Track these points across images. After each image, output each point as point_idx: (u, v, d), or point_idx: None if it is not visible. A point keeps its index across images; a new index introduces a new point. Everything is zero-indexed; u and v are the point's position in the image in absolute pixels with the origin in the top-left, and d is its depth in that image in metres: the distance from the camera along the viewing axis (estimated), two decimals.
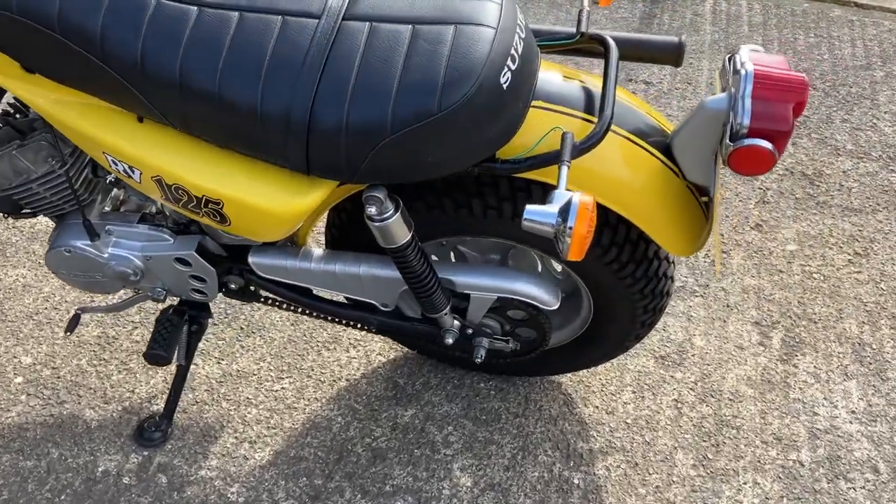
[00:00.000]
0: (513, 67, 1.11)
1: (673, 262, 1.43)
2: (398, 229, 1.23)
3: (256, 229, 1.24)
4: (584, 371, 1.77)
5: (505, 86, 1.09)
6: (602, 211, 1.26)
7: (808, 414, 1.71)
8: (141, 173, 1.24)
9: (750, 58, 1.14)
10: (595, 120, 1.19)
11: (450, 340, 1.45)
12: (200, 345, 1.78)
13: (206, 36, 1.12)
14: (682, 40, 1.30)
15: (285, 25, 1.13)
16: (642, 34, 1.36)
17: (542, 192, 1.25)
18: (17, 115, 1.39)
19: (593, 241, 1.29)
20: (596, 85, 1.26)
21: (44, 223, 2.03)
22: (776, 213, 2.21)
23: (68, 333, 1.58)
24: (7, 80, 1.25)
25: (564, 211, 1.02)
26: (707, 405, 1.73)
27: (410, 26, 1.11)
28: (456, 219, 1.31)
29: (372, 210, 1.18)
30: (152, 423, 1.61)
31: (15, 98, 1.35)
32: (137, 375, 1.71)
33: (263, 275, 1.43)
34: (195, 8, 1.14)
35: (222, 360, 1.76)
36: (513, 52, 1.11)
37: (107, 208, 1.47)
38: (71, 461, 1.56)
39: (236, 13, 1.14)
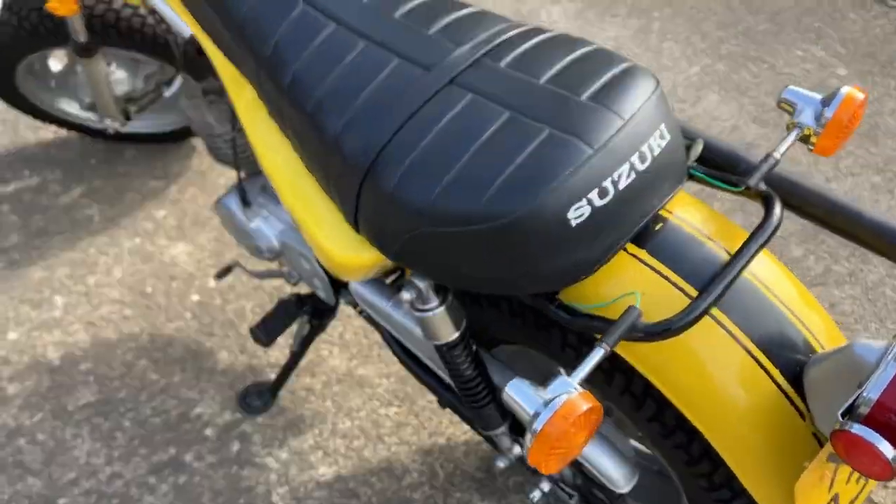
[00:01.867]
0: (596, 203, 0.85)
1: None
2: (441, 325, 1.05)
3: (324, 261, 1.15)
4: None
5: (574, 222, 0.84)
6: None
7: None
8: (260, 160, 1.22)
9: None
10: (690, 302, 0.87)
11: (501, 465, 1.23)
12: (347, 336, 1.76)
13: (329, 50, 1.04)
14: None
15: (397, 67, 1.00)
16: (865, 207, 0.95)
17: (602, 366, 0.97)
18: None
19: (681, 438, 0.98)
20: (731, 247, 0.93)
21: None
22: None
23: (217, 279, 1.66)
24: (205, 42, 1.29)
25: (548, 405, 0.77)
26: None
27: (509, 113, 0.91)
28: (519, 328, 1.08)
29: (407, 296, 1.02)
30: (257, 391, 1.64)
31: None
32: (280, 339, 1.75)
33: (360, 304, 1.34)
34: (333, 24, 1.07)
35: (353, 359, 1.72)
36: (606, 184, 0.85)
37: (266, 183, 1.49)
38: (183, 391, 1.66)
39: (364, 42, 1.04)
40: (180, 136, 2.13)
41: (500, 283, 0.91)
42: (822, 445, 0.90)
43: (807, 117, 0.98)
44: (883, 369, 0.72)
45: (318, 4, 1.08)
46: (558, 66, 0.95)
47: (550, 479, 1.24)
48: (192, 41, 1.34)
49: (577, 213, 0.84)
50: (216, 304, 1.83)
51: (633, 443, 1.30)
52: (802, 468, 0.89)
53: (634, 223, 0.90)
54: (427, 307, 1.03)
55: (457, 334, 1.07)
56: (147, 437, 1.59)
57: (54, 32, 1.68)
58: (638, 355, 0.93)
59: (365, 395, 1.66)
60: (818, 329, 0.93)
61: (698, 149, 1.03)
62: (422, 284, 1.01)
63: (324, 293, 1.45)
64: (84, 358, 1.71)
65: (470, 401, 1.15)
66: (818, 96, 0.99)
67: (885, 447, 0.70)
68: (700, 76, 2.54)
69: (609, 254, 0.89)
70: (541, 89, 0.92)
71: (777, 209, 0.92)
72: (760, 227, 0.90)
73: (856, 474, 0.91)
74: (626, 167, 0.86)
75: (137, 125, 2.08)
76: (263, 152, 1.18)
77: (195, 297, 1.84)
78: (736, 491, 0.99)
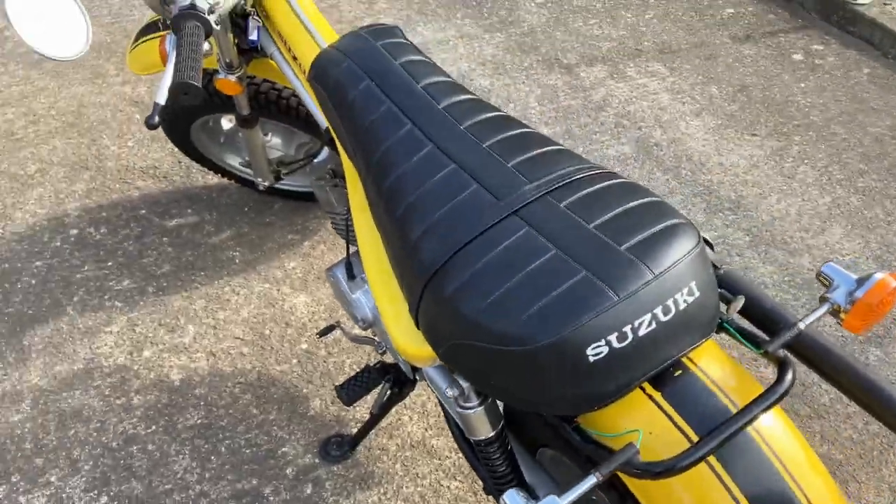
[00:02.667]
0: (615, 345, 0.95)
1: None
2: (479, 423, 1.17)
3: (395, 346, 1.31)
4: None
5: (592, 359, 0.95)
6: None
7: None
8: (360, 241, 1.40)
9: None
10: (689, 448, 0.95)
11: None
12: (429, 407, 1.90)
13: (423, 167, 1.21)
14: None
15: (474, 192, 1.15)
16: (885, 383, 0.98)
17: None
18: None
19: None
20: (742, 403, 1.00)
21: None
22: None
23: (319, 337, 1.85)
24: (333, 131, 1.50)
25: None
26: None
27: (555, 251, 1.03)
28: (552, 436, 1.18)
29: (451, 392, 1.15)
30: (338, 442, 1.81)
31: None
32: (368, 399, 1.92)
33: (429, 384, 1.48)
34: (431, 145, 1.23)
35: (429, 430, 1.86)
36: (626, 330, 0.95)
37: None
38: (275, 430, 1.86)
39: (453, 165, 1.20)
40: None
41: (521, 400, 1.03)
42: None
43: (839, 295, 1.04)
44: None
45: (422, 126, 1.26)
46: (611, 214, 1.06)
47: None
48: (328, 132, 1.56)
49: (596, 352, 0.95)
50: (321, 354, 2.03)
51: None
52: None
53: (652, 367, 0.99)
54: (468, 405, 1.16)
55: (493, 433, 1.18)
56: (236, 465, 1.78)
57: (226, 102, 1.96)
58: (639, 485, 1.01)
59: (433, 465, 1.79)
60: (816, 493, 0.98)
61: (738, 304, 1.10)
62: (464, 384, 1.14)
63: (404, 367, 1.60)
64: (200, 384, 1.95)
65: (497, 486, 1.25)
66: (854, 276, 1.04)
67: None
68: (830, 207, 2.53)
69: (623, 391, 0.99)
70: (588, 233, 1.04)
71: (789, 376, 0.98)
72: (769, 389, 0.97)
73: None
74: (647, 317, 0.96)
75: (287, 182, 2.34)
76: (362, 244, 1.36)
77: (304, 346, 2.05)
78: None
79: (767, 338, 1.04)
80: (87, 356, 2.00)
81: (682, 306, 0.99)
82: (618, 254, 1.00)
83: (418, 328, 1.16)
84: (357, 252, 1.66)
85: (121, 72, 3.04)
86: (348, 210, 1.58)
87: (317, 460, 1.80)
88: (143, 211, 2.43)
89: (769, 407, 0.96)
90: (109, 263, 2.25)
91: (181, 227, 2.38)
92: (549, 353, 0.95)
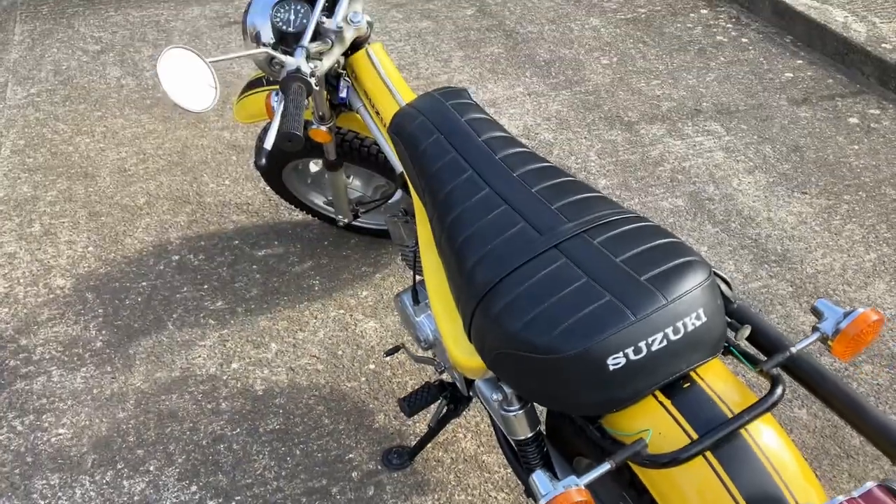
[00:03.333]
0: (632, 358, 1.15)
1: None
2: (518, 425, 1.37)
3: (450, 359, 1.52)
4: None
5: (612, 368, 1.15)
6: None
7: None
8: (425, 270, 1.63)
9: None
10: (690, 444, 1.13)
11: None
12: (482, 426, 2.10)
13: (480, 206, 1.44)
14: None
15: (522, 228, 1.37)
16: (870, 404, 1.14)
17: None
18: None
19: None
20: (736, 411, 1.18)
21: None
22: None
23: (386, 356, 2.08)
24: (407, 175, 1.75)
25: (546, 496, 1.08)
26: None
27: (586, 279, 1.24)
28: (583, 443, 1.37)
29: (496, 396, 1.36)
30: (398, 452, 2.02)
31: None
32: (427, 417, 2.13)
33: (482, 401, 1.68)
34: (487, 188, 1.46)
35: (482, 447, 2.06)
36: (641, 345, 1.15)
37: None
38: (343, 438, 2.08)
39: (505, 205, 1.42)
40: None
41: (553, 402, 1.23)
42: None
43: (827, 325, 1.22)
44: None
45: (481, 172, 1.49)
46: (636, 250, 1.27)
47: None
48: (402, 176, 1.81)
49: (615, 362, 1.15)
50: (386, 375, 2.25)
51: None
52: None
53: (663, 377, 1.18)
54: (510, 409, 1.36)
55: (530, 434, 1.38)
56: (308, 467, 2.01)
57: (316, 148, 2.24)
58: (652, 482, 1.20)
59: (483, 478, 1.99)
60: (799, 489, 1.15)
61: (745, 332, 1.29)
62: (508, 390, 1.35)
63: (459, 385, 1.81)
64: (280, 394, 2.19)
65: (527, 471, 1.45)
66: (841, 310, 1.22)
67: None
68: (874, 263, 2.65)
69: (637, 397, 1.18)
70: (615, 265, 1.25)
71: (779, 390, 1.16)
72: (762, 399, 1.15)
73: None
74: (660, 335, 1.16)
75: (363, 220, 2.61)
76: (427, 273, 1.59)
77: (371, 366, 2.28)
78: None
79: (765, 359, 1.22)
80: (183, 366, 2.28)
81: (691, 328, 1.18)
82: (638, 283, 1.21)
83: (470, 342, 1.38)
84: (422, 280, 1.90)
85: (220, 118, 3.39)
86: (416, 243, 1.81)
87: (379, 467, 2.01)
88: (237, 241, 2.72)
89: (760, 414, 1.14)
90: (205, 286, 2.54)
91: (269, 257, 2.66)
92: (576, 362, 1.16)
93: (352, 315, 2.44)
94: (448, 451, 2.05)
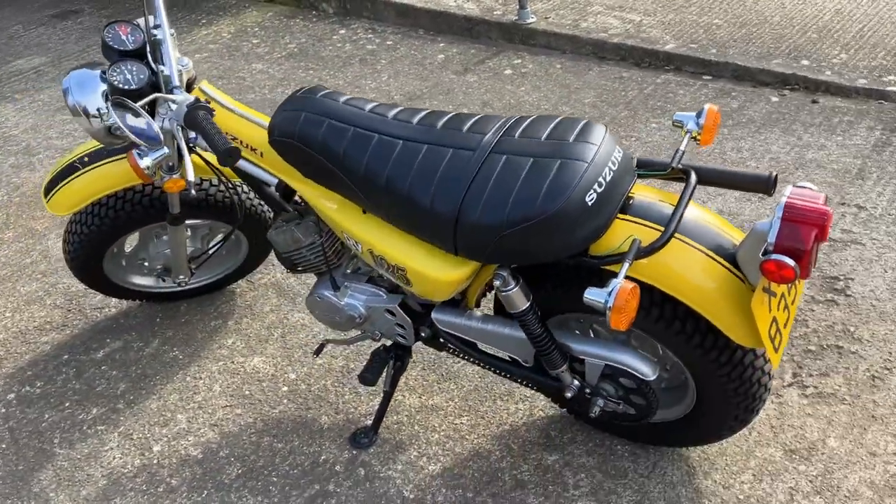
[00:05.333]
0: (598, 191, 1.54)
1: (761, 355, 1.71)
2: (518, 299, 1.69)
3: (427, 290, 1.78)
4: (713, 450, 2.03)
5: (590, 203, 1.53)
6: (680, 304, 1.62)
7: None
8: (361, 246, 1.84)
9: (790, 191, 1.45)
10: (662, 231, 1.57)
11: (569, 395, 1.85)
12: (410, 382, 2.33)
13: (404, 159, 1.70)
14: (774, 175, 1.63)
15: (453, 155, 1.67)
16: (737, 168, 1.70)
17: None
18: (298, 204, 2.08)
19: (678, 326, 1.64)
20: (672, 202, 1.64)
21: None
22: None
23: (315, 356, 2.22)
24: (293, 181, 1.93)
25: (611, 293, 1.42)
26: (821, 497, 1.90)
27: (531, 159, 1.60)
28: (567, 297, 1.73)
29: (498, 283, 1.66)
30: (363, 432, 2.18)
31: (298, 195, 2.05)
32: (362, 398, 2.31)
33: (441, 328, 1.95)
34: (400, 142, 1.74)
35: (423, 395, 2.30)
36: (600, 179, 1.55)
37: (348, 271, 2.11)
38: (305, 448, 2.18)
39: (425, 146, 1.71)
40: (223, 284, 2.71)
41: (551, 252, 1.58)
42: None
43: (691, 125, 1.72)
44: (773, 223, 1.43)
45: (388, 132, 1.75)
46: (548, 129, 1.66)
47: (599, 395, 1.86)
48: (279, 185, 1.98)
49: (590, 197, 1.53)
50: (302, 388, 2.37)
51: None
52: (751, 301, 1.57)
53: (618, 200, 1.59)
54: (509, 288, 1.67)
55: (527, 304, 1.70)
56: (294, 483, 2.08)
57: (159, 209, 2.28)
58: (649, 274, 1.59)
59: (440, 416, 2.23)
60: (732, 234, 1.64)
61: (634, 162, 1.74)
62: (505, 273, 1.65)
63: (405, 336, 2.04)
64: (220, 447, 2.20)
65: (542, 349, 1.77)
66: (693, 113, 1.74)
67: (788, 260, 1.39)
68: None
69: (610, 220, 1.58)
70: (544, 142, 1.62)
71: (693, 178, 1.64)
72: (685, 188, 1.62)
73: (783, 302, 1.59)
74: (606, 170, 1.57)
75: (195, 280, 2.65)
76: (368, 235, 1.81)
77: (284, 388, 2.38)
78: (715, 343, 1.65)
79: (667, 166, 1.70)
80: (104, 473, 2.16)
81: (619, 160, 1.61)
82: (569, 143, 1.60)
83: (457, 255, 1.66)
84: (337, 267, 2.08)
85: None
86: (324, 236, 1.99)
87: (354, 451, 2.15)
88: (66, 356, 2.58)
89: (691, 196, 1.60)
90: (66, 404, 2.39)
91: (111, 353, 2.57)
92: (564, 210, 1.51)
93: (233, 361, 2.49)
94: (400, 412, 2.25)
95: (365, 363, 2.10)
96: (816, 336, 2.38)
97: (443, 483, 2.05)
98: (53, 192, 2.22)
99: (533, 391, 2.26)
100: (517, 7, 4.59)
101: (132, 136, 1.81)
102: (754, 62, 3.92)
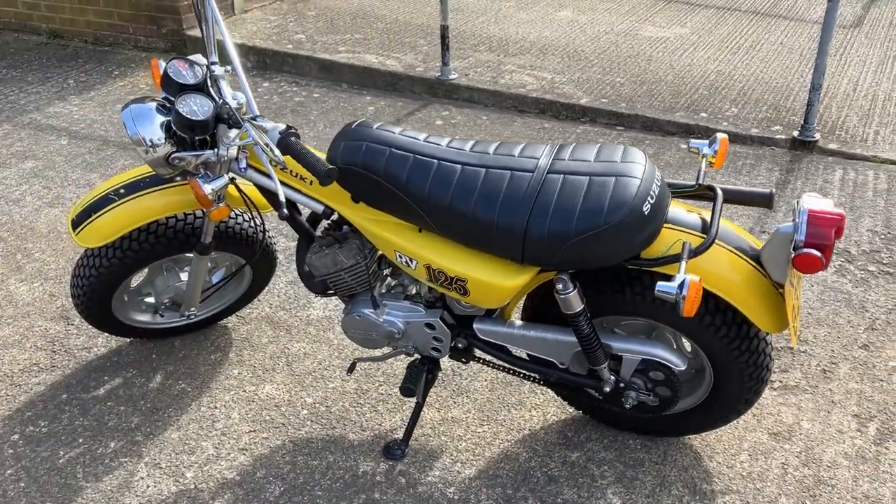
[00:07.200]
0: (651, 202, 1.82)
1: (770, 343, 2.03)
2: (575, 301, 1.92)
3: (485, 299, 1.97)
4: (711, 438, 2.32)
5: (646, 213, 1.80)
6: (714, 298, 1.92)
7: (894, 482, 2.16)
8: (417, 263, 2.02)
9: (805, 200, 1.79)
10: (705, 237, 1.86)
11: (607, 389, 2.09)
12: (431, 400, 2.49)
13: (466, 182, 1.91)
14: (773, 191, 1.97)
15: (513, 177, 1.90)
16: (743, 187, 2.04)
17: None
18: (333, 230, 2.22)
19: (708, 320, 1.93)
20: (707, 217, 1.95)
21: (315, 318, 2.87)
22: (882, 336, 2.70)
23: (349, 374, 2.34)
24: (342, 207, 2.09)
25: (681, 285, 1.69)
26: (808, 468, 2.23)
27: (588, 178, 1.86)
28: (613, 301, 1.99)
29: (559, 286, 1.89)
30: (394, 444, 2.32)
31: (338, 217, 2.19)
32: (383, 416, 2.44)
33: (482, 337, 2.14)
34: (459, 166, 1.95)
35: (441, 410, 2.46)
36: (651, 193, 1.83)
37: (383, 291, 2.27)
38: (341, 463, 2.28)
39: (484, 170, 1.93)
40: (219, 318, 2.78)
41: (613, 257, 1.83)
42: (778, 290, 1.91)
43: (707, 150, 2.04)
44: (800, 226, 1.75)
45: (446, 160, 1.96)
46: (594, 153, 1.93)
47: (632, 388, 2.11)
48: (325, 212, 2.13)
49: (646, 207, 1.80)
50: (322, 410, 2.47)
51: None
52: (771, 301, 1.88)
53: (665, 210, 1.88)
54: (568, 291, 1.90)
55: (582, 306, 1.94)
56: (340, 494, 2.18)
57: (182, 241, 2.35)
58: (704, 276, 1.88)
59: (462, 426, 2.40)
60: (749, 239, 1.96)
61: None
62: (565, 277, 1.89)
63: (440, 349, 2.22)
64: (256, 468, 2.26)
65: (589, 347, 2.01)
66: (706, 142, 2.06)
67: (817, 252, 1.71)
68: None
69: (660, 227, 1.86)
70: (595, 164, 1.89)
71: (720, 193, 1.95)
72: (714, 203, 1.93)
73: (795, 293, 1.92)
74: (654, 185, 1.85)
75: (201, 311, 2.71)
76: (430, 251, 1.99)
77: (304, 412, 2.47)
78: (738, 333, 1.95)
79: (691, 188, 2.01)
80: (141, 501, 2.17)
81: (661, 179, 1.90)
82: (620, 163, 1.87)
83: (523, 264, 1.88)
84: (379, 285, 2.24)
85: None
86: (367, 256, 2.15)
87: (390, 462, 2.28)
88: (64, 395, 2.54)
89: (721, 211, 1.91)
90: (80, 440, 2.37)
91: (113, 389, 2.56)
92: (627, 218, 1.78)
93: (244, 390, 2.55)
94: (423, 426, 2.41)
95: (403, 376, 2.25)
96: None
97: (482, 483, 2.22)
98: (86, 223, 2.25)
99: (542, 400, 2.48)
100: (439, 64, 4.92)
101: (194, 163, 1.93)
102: (660, 114, 4.42)
